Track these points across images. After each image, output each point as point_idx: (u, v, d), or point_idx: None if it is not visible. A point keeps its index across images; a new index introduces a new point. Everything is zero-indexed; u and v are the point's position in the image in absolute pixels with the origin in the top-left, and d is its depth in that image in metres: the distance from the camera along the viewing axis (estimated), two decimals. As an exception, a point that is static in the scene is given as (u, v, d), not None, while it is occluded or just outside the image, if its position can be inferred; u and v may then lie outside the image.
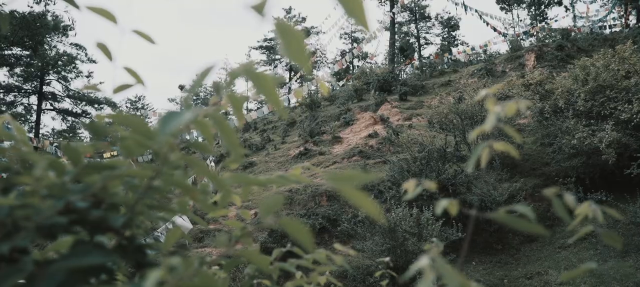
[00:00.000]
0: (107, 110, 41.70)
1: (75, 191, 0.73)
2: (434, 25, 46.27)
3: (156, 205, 0.71)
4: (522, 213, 0.79)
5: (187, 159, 0.66)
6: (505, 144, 0.74)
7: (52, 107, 33.97)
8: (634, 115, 12.80)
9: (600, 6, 39.53)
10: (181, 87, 51.19)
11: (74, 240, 0.70)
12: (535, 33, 36.63)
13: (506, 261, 12.01)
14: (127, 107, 49.24)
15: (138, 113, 45.62)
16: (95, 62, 35.10)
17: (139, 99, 52.68)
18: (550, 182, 14.33)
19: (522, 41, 34.83)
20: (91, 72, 35.01)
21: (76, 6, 1.15)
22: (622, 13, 34.43)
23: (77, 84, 34.70)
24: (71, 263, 0.61)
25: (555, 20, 42.01)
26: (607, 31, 34.06)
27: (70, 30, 31.38)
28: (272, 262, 1.13)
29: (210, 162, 18.32)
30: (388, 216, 10.23)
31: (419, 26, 44.10)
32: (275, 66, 49.39)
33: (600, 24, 36.59)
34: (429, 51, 47.15)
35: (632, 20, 33.16)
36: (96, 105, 35.24)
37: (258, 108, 32.55)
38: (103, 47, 0.94)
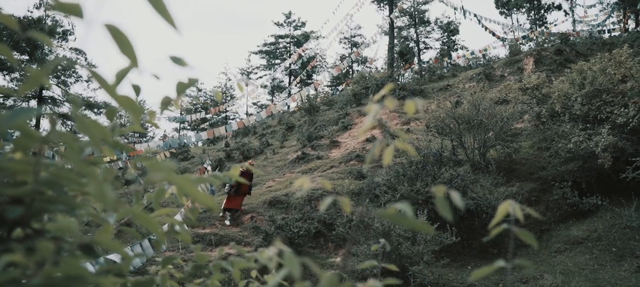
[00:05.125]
0: (107, 114, 41.76)
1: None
2: (433, 29, 46.31)
3: (55, 199, 0.72)
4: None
5: (68, 156, 0.67)
6: (402, 143, 0.74)
7: (51, 112, 34.04)
8: (630, 120, 12.79)
9: (600, 11, 39.55)
10: (181, 92, 51.26)
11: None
12: (534, 37, 36.63)
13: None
14: (130, 115, 49.28)
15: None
16: (95, 67, 35.24)
17: (140, 103, 52.76)
18: (546, 187, 14.30)
19: (521, 45, 34.84)
20: (91, 77, 35.18)
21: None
22: (621, 17, 34.46)
23: (76, 89, 34.85)
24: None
25: (555, 25, 42.13)
26: (606, 36, 34.09)
27: (70, 35, 31.50)
28: (211, 260, 1.14)
29: (208, 167, 18.32)
30: (382, 220, 10.21)
31: (418, 30, 44.12)
32: (275, 70, 49.45)
33: (599, 28, 36.64)
34: (428, 55, 47.30)
35: (631, 24, 33.18)
36: (96, 110, 35.31)
37: (258, 112, 32.60)
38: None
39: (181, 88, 0.86)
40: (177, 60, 0.75)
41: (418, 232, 10.06)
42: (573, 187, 13.50)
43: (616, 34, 33.71)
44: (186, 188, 0.88)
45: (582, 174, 13.62)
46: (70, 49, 32.75)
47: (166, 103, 0.97)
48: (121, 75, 0.68)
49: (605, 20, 37.28)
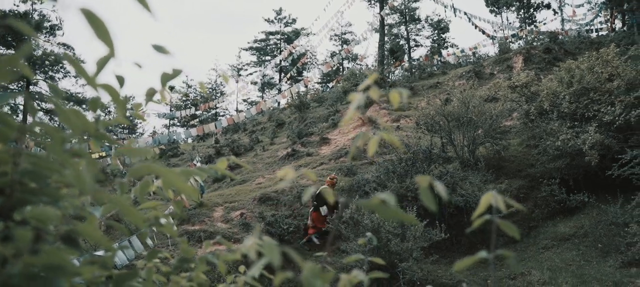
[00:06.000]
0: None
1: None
2: (423, 27, 46.47)
3: (37, 190, 0.71)
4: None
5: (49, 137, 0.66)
6: (388, 135, 0.74)
7: (39, 108, 33.67)
8: (616, 118, 12.94)
9: (588, 10, 39.96)
10: (171, 88, 50.99)
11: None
12: (523, 36, 36.93)
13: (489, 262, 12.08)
14: (115, 107, 48.84)
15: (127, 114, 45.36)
16: (84, 62, 34.88)
17: (129, 100, 52.37)
18: (535, 184, 14.43)
19: (510, 44, 35.12)
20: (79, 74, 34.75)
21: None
22: (608, 17, 34.83)
23: (65, 84, 34.51)
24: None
25: (544, 23, 42.52)
26: (594, 35, 34.47)
27: (58, 29, 31.17)
28: (196, 253, 1.14)
29: (197, 163, 18.23)
30: (372, 216, 10.24)
31: (408, 28, 44.24)
32: (265, 67, 49.33)
33: (588, 27, 37.03)
34: (418, 53, 47.39)
35: (618, 24, 33.58)
36: (84, 106, 35.00)
37: (248, 109, 32.50)
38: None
39: (165, 78, 0.85)
40: (158, 48, 0.74)
41: (407, 229, 10.12)
42: (561, 184, 13.63)
43: (604, 33, 34.09)
44: (172, 180, 0.88)
45: (570, 172, 13.76)
46: (58, 44, 32.36)
47: (151, 94, 0.96)
48: (102, 63, 0.67)
49: (593, 19, 37.68)
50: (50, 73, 32.64)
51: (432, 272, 11.03)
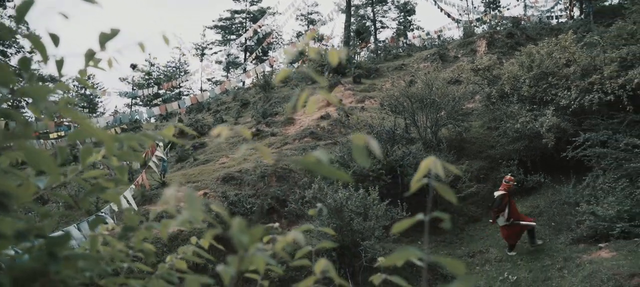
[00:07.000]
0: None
1: None
2: (390, 9, 46.65)
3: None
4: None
5: None
6: (327, 94, 0.74)
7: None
8: (572, 102, 13.40)
9: (549, -3, 41.01)
10: (133, 66, 49.53)
11: None
12: (487, 20, 37.60)
13: (451, 241, 12.42)
14: (74, 85, 47.24)
15: (87, 92, 43.96)
16: (39, 37, 33.36)
17: (89, 78, 50.63)
18: (495, 165, 14.84)
19: (475, 28, 35.72)
20: (33, 49, 33.33)
21: None
22: (567, 5, 35.83)
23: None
24: None
25: (507, 9, 43.33)
26: (554, 21, 35.45)
27: (8, 1, 29.70)
28: (142, 220, 1.11)
29: (159, 143, 17.87)
30: (335, 196, 10.31)
31: (375, 10, 44.32)
32: (230, 46, 48.53)
33: (548, 14, 38.03)
34: (384, 35, 47.67)
35: (576, 12, 34.60)
36: (40, 83, 33.61)
37: (212, 88, 32.00)
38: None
39: (103, 38, 0.82)
40: (86, -2, 0.71)
41: (369, 208, 10.24)
42: (519, 165, 14.07)
43: (563, 20, 35.10)
44: (113, 147, 0.84)
45: (528, 153, 14.21)
46: (9, 16, 30.86)
47: (90, 55, 0.92)
48: (23, 9, 0.64)
49: (553, 6, 38.70)
50: (1, 48, 31.14)
51: (394, 250, 11.20)
